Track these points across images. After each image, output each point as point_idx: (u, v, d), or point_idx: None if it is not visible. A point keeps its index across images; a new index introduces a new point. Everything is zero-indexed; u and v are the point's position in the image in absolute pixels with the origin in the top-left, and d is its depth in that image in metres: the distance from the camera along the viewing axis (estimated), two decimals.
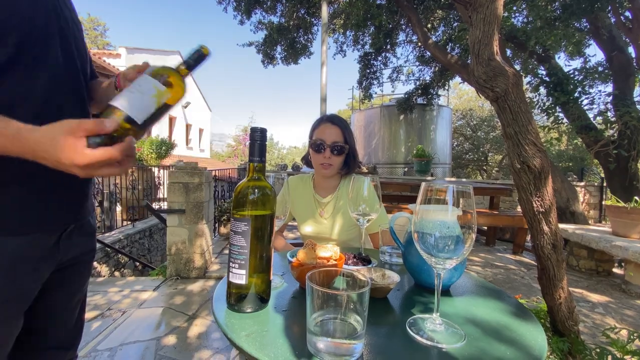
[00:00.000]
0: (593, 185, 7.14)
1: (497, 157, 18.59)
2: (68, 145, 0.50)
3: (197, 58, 0.69)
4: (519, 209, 5.55)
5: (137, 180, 6.12)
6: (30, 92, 0.63)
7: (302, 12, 7.51)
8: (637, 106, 4.68)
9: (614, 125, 4.80)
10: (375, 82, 8.03)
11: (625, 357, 1.24)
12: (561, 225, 3.84)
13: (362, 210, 1.01)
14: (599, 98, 5.14)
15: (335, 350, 0.52)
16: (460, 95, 22.19)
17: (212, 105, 23.33)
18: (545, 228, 1.20)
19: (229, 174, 6.65)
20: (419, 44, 7.01)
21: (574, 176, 7.74)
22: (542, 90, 5.18)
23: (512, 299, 0.83)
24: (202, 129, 20.92)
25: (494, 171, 17.93)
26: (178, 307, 2.61)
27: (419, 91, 8.16)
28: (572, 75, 4.95)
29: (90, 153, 0.50)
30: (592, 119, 5.17)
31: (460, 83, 16.40)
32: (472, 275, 1.00)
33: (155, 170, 7.00)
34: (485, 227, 5.09)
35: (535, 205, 1.17)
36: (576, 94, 4.85)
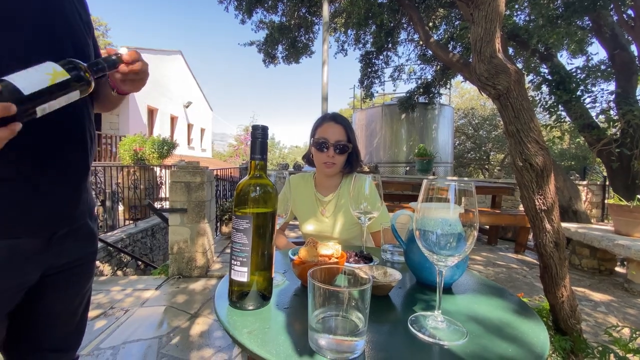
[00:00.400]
0: (595, 184, 7.11)
1: (499, 156, 18.54)
2: None
3: (110, 63, 0.68)
4: (521, 207, 5.53)
5: (139, 179, 6.14)
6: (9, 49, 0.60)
7: (303, 11, 7.50)
8: None
9: (616, 124, 4.77)
10: (376, 81, 8.02)
11: (628, 355, 1.23)
12: (563, 224, 3.82)
13: (363, 208, 1.01)
14: (602, 96, 5.11)
15: (337, 347, 0.52)
16: (462, 94, 22.13)
17: (213, 105, 23.35)
18: (548, 226, 1.19)
19: (231, 173, 6.67)
20: (421, 42, 7.00)
21: (577, 175, 7.71)
22: (545, 88, 5.15)
23: (514, 296, 0.83)
24: (204, 128, 20.95)
25: (495, 170, 17.89)
26: (180, 305, 2.62)
27: (421, 90, 8.13)
28: (574, 74, 4.92)
29: None
30: (594, 117, 5.14)
31: (462, 82, 16.38)
32: (474, 273, 1.00)
33: (157, 169, 7.02)
34: (487, 226, 5.08)
35: (537, 203, 1.16)
36: (578, 93, 4.82)
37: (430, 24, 6.49)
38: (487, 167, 19.25)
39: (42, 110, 0.56)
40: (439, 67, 7.38)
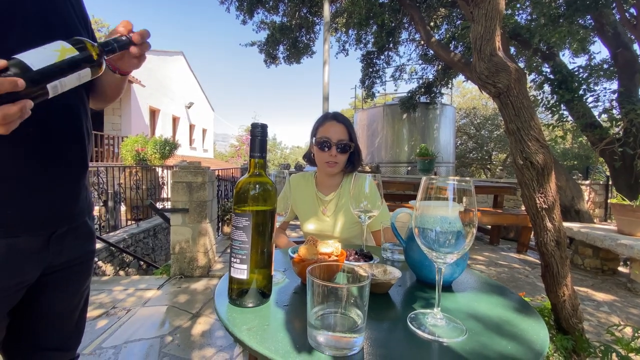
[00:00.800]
0: (598, 184, 7.08)
1: (501, 155, 18.49)
2: None
3: (120, 43, 0.66)
4: (523, 207, 5.51)
5: (141, 180, 6.16)
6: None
7: (304, 11, 7.51)
8: None
9: (619, 123, 4.75)
10: (378, 81, 8.02)
11: (630, 354, 1.23)
12: (566, 224, 3.81)
13: (363, 207, 1.02)
14: (604, 95, 5.08)
15: (335, 344, 0.52)
16: (463, 94, 22.07)
17: (215, 105, 23.42)
18: (549, 225, 1.19)
19: (232, 173, 6.68)
20: (422, 42, 6.99)
21: (579, 174, 7.67)
22: (547, 87, 5.13)
23: (514, 295, 0.82)
24: (206, 129, 21.00)
25: (498, 170, 17.84)
26: (182, 305, 2.63)
27: (422, 90, 8.13)
28: (576, 73, 4.90)
29: None
30: (597, 116, 5.11)
31: (463, 81, 16.32)
32: (474, 271, 0.99)
33: (159, 170, 7.04)
34: (489, 226, 5.06)
35: (538, 201, 1.16)
36: (581, 92, 4.80)
37: (432, 24, 6.48)
38: (489, 166, 19.20)
39: (53, 88, 0.54)
40: (440, 66, 7.37)
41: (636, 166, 4.60)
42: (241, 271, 0.66)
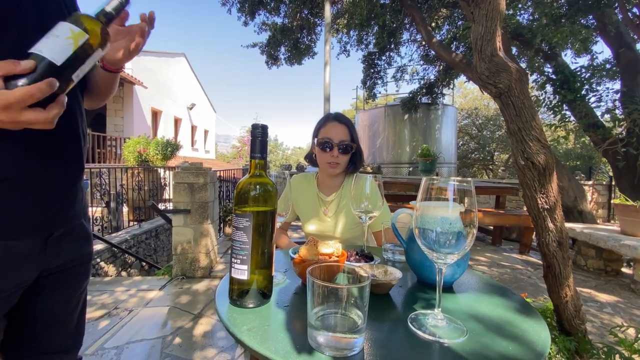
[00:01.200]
0: (601, 184, 7.04)
1: (503, 156, 18.43)
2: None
3: (117, 8, 0.66)
4: (525, 208, 5.49)
5: (143, 181, 6.18)
6: None
7: (306, 12, 7.52)
8: None
9: (622, 123, 4.73)
10: (379, 81, 8.02)
11: (634, 355, 1.22)
12: (569, 225, 3.79)
13: (364, 207, 1.01)
14: (607, 95, 5.06)
15: (335, 344, 0.52)
16: (465, 94, 22.02)
17: (216, 107, 23.45)
18: (551, 225, 1.18)
19: (234, 174, 6.69)
20: (423, 43, 6.99)
21: (582, 175, 7.64)
22: (549, 88, 5.11)
23: (515, 295, 0.82)
24: (207, 130, 21.05)
25: (500, 170, 17.79)
26: (184, 306, 2.63)
27: (424, 90, 8.13)
28: (579, 73, 4.88)
29: (9, 92, 0.48)
30: (599, 116, 5.09)
31: (465, 82, 16.32)
32: (476, 272, 0.99)
33: (161, 171, 7.06)
34: (491, 227, 5.05)
35: (540, 202, 1.15)
36: (583, 92, 4.78)
37: (433, 24, 6.48)
38: (491, 167, 19.14)
39: (77, 77, 0.56)
40: (441, 67, 7.37)
41: (639, 166, 4.57)
42: (242, 272, 0.66)
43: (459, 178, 0.61)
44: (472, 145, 19.45)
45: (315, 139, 1.45)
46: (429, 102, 8.52)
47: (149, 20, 0.75)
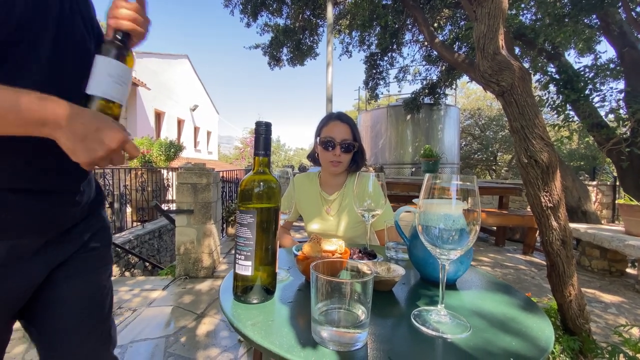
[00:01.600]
0: (605, 184, 6.99)
1: (507, 156, 18.35)
2: (116, 127, 0.58)
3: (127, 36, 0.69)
4: (528, 208, 5.46)
5: (147, 182, 6.21)
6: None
7: (308, 13, 7.54)
8: None
9: (626, 123, 4.70)
10: (381, 82, 8.01)
11: (638, 355, 1.21)
12: (573, 225, 3.76)
13: (367, 205, 1.02)
14: (611, 95, 5.02)
15: (339, 339, 0.52)
16: (468, 95, 21.96)
17: (219, 108, 23.54)
18: (554, 224, 1.18)
19: (236, 175, 6.70)
20: (426, 43, 6.98)
21: (586, 175, 7.59)
22: (552, 88, 5.08)
23: (519, 293, 0.82)
24: (210, 131, 21.12)
25: (503, 171, 17.71)
26: (187, 306, 2.64)
27: (426, 91, 8.10)
28: (582, 73, 4.85)
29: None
30: (603, 116, 5.06)
31: (467, 82, 16.27)
32: (479, 270, 0.99)
33: (165, 172, 7.09)
34: (495, 227, 5.02)
35: (543, 200, 1.15)
36: (587, 92, 4.75)
37: (435, 25, 6.47)
38: (494, 168, 19.06)
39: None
40: (444, 67, 7.35)
41: None
42: (246, 268, 0.67)
43: (462, 175, 0.61)
44: (475, 146, 19.38)
45: (318, 138, 1.46)
46: (432, 102, 8.49)
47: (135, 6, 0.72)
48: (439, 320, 0.62)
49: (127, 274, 4.59)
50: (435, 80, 7.89)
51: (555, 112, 5.06)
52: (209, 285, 3.10)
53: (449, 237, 0.61)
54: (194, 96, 17.70)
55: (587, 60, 5.36)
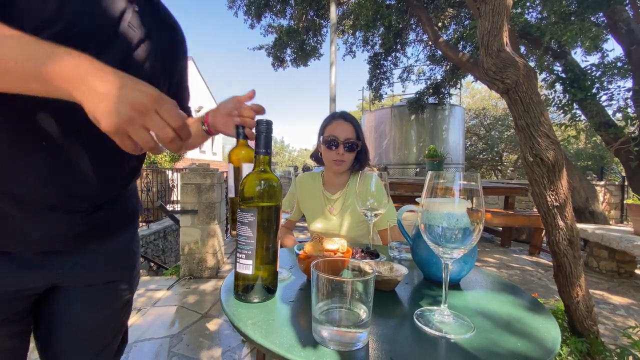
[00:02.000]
0: (614, 185, 6.89)
1: (512, 156, 18.20)
2: (172, 103, 0.49)
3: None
4: (535, 208, 5.39)
5: (152, 182, 6.26)
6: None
7: (311, 14, 7.55)
8: None
9: (634, 122, 4.63)
10: (385, 82, 7.98)
11: None
12: (580, 225, 3.71)
13: (370, 205, 1.01)
14: (619, 94, 4.95)
15: (340, 339, 0.52)
16: (473, 95, 21.81)
17: None
18: (561, 223, 1.16)
19: None
20: (430, 43, 6.95)
21: (594, 175, 7.49)
22: (558, 87, 5.03)
23: (525, 293, 0.80)
24: None
25: (508, 171, 17.54)
26: (191, 305, 2.65)
27: (430, 90, 8.06)
28: (589, 71, 4.79)
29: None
30: (611, 115, 4.99)
31: (472, 82, 16.16)
32: (483, 270, 0.98)
33: (169, 172, 7.14)
34: (500, 228, 4.97)
35: (549, 199, 1.13)
36: (594, 90, 4.68)
37: (439, 24, 6.44)
38: (499, 168, 18.91)
39: None
40: (448, 67, 7.31)
41: None
42: (246, 266, 0.66)
43: (465, 173, 0.60)
44: (480, 146, 19.25)
45: (321, 137, 1.45)
46: (436, 102, 8.44)
47: (257, 108, 0.82)
48: (442, 320, 0.61)
49: None
50: (439, 80, 7.84)
51: (561, 111, 5.00)
52: (213, 285, 3.10)
53: (452, 236, 0.60)
54: (198, 97, 17.82)
55: (594, 58, 5.31)
